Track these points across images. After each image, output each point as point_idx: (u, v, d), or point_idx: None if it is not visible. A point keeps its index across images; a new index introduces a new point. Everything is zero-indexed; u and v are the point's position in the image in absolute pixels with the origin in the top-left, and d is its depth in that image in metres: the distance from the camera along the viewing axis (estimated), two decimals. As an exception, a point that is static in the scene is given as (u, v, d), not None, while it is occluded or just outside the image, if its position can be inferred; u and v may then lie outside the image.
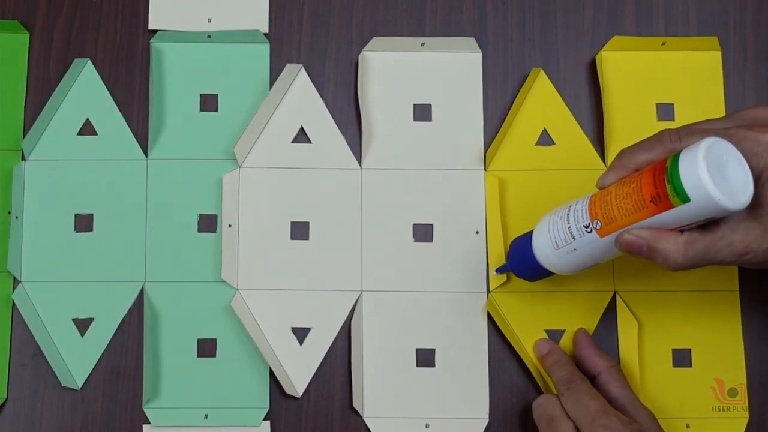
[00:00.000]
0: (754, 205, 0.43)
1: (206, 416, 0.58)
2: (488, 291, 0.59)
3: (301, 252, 0.59)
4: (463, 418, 0.57)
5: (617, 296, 0.59)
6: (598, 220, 0.47)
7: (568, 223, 0.49)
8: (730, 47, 0.62)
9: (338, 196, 0.60)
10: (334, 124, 0.61)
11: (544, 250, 0.51)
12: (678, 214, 0.43)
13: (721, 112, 0.60)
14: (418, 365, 0.58)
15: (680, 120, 0.60)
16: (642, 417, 0.52)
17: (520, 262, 0.54)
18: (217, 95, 0.61)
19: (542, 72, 0.60)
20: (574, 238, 0.49)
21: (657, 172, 0.43)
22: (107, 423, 0.58)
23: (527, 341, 0.58)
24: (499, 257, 0.58)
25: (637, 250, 0.45)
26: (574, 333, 0.58)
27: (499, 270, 0.58)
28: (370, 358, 0.58)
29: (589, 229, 0.48)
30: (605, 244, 0.47)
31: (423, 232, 0.59)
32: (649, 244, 0.45)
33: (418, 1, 0.63)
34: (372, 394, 0.58)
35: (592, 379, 0.55)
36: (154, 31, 0.62)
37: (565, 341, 0.58)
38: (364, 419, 0.57)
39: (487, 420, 0.57)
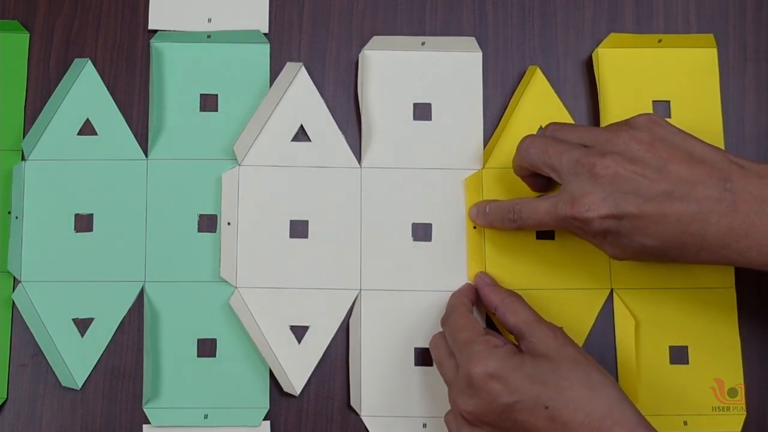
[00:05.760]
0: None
1: (206, 416, 0.58)
2: (486, 291, 0.59)
3: (300, 250, 0.59)
4: (462, 417, 0.57)
5: (614, 293, 0.59)
6: None
7: None
8: (730, 47, 0.62)
9: (337, 195, 0.60)
10: (334, 123, 0.60)
11: None
12: None
13: (716, 110, 0.60)
14: (416, 364, 0.58)
15: (676, 117, 0.60)
16: (539, 337, 0.50)
17: None
18: (217, 95, 0.61)
19: (538, 70, 0.60)
20: None
21: None
22: (107, 423, 0.58)
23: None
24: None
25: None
26: (474, 276, 0.58)
27: None
28: (369, 356, 0.58)
29: None
30: None
31: (422, 232, 0.59)
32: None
33: (418, 1, 0.63)
34: (370, 393, 0.57)
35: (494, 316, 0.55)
36: (154, 31, 0.62)
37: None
38: (362, 418, 0.57)
39: (487, 420, 0.57)
